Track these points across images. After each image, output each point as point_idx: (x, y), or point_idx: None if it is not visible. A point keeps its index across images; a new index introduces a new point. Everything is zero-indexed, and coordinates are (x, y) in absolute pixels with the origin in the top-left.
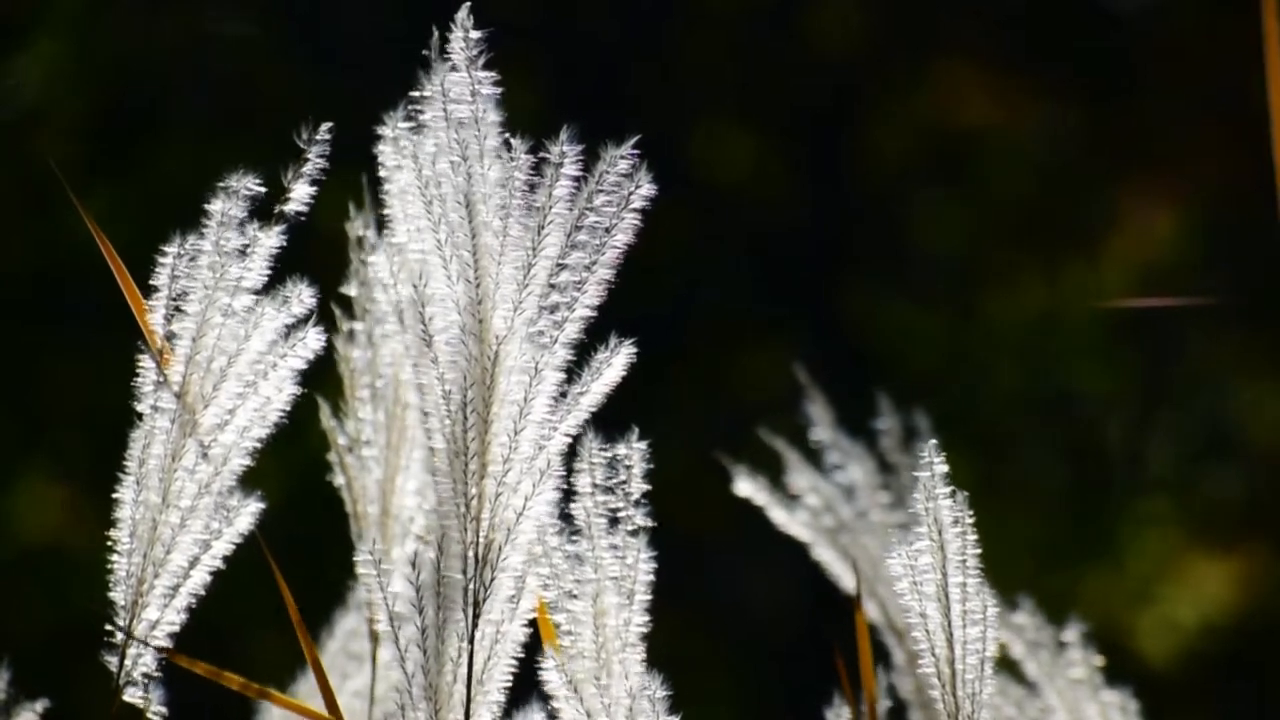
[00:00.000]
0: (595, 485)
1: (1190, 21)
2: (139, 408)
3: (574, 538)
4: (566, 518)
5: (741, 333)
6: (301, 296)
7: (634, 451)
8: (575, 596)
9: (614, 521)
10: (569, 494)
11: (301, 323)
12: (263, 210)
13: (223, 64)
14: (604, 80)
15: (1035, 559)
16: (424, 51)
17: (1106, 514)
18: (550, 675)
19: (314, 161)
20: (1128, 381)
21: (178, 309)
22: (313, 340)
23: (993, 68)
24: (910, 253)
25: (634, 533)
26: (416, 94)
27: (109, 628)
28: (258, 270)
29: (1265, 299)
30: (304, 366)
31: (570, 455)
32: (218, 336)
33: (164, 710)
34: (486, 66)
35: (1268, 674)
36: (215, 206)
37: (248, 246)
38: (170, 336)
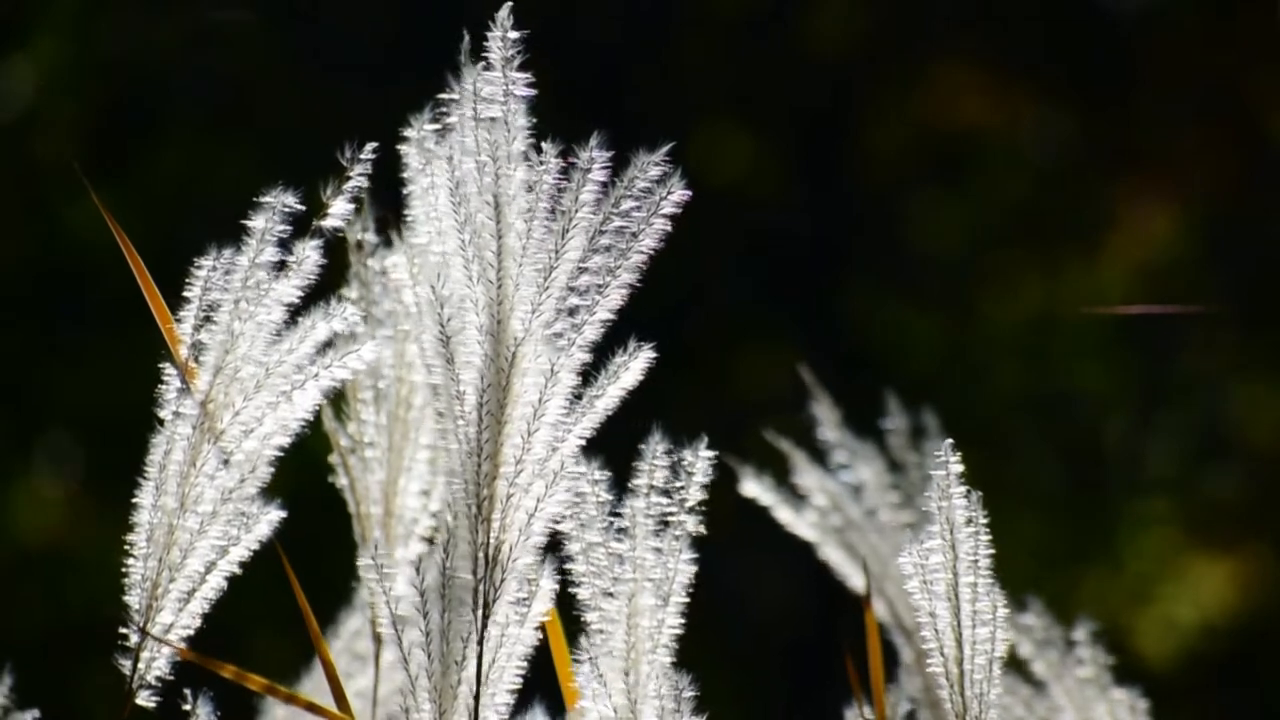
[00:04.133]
0: (652, 486)
1: (1187, 24)
2: (160, 413)
3: (618, 536)
4: (616, 514)
5: (741, 333)
6: (345, 314)
7: (700, 457)
8: (611, 595)
9: (663, 524)
10: (622, 492)
11: (340, 338)
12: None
13: (222, 63)
14: (603, 81)
15: (1034, 559)
16: (421, 53)
17: (1105, 514)
18: (579, 672)
19: (356, 180)
20: (1126, 382)
21: (208, 318)
22: (367, 353)
23: (990, 69)
24: (909, 253)
25: (679, 538)
26: (443, 96)
27: (122, 630)
28: (294, 284)
29: (1262, 299)
30: (348, 378)
31: (609, 456)
32: (249, 346)
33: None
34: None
35: (1267, 674)
36: (255, 222)
37: (283, 262)
38: (197, 345)
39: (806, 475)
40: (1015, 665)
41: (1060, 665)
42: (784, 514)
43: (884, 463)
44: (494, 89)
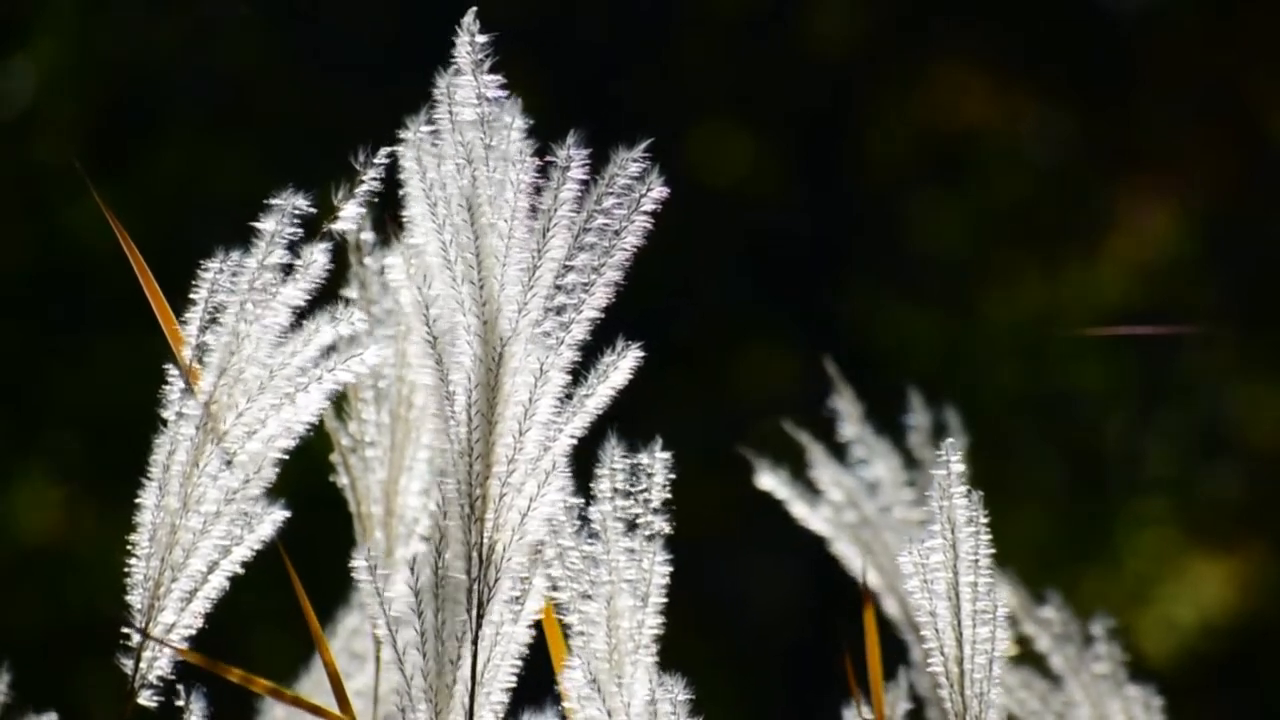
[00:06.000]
0: (615, 489)
1: (1187, 24)
2: (163, 413)
3: (590, 540)
4: (585, 519)
5: (741, 333)
6: (350, 317)
7: (657, 459)
8: (589, 598)
9: (632, 526)
10: (589, 497)
11: (345, 341)
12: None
13: (222, 63)
14: (602, 81)
15: (1034, 559)
16: (421, 53)
17: (1105, 514)
18: (569, 676)
19: (369, 183)
20: (1126, 382)
21: (213, 320)
22: (370, 356)
23: (990, 69)
24: (909, 253)
25: (651, 537)
26: (429, 98)
27: (124, 630)
28: (300, 287)
29: (1262, 299)
30: (351, 380)
31: (588, 458)
32: (254, 348)
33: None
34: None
35: (1267, 674)
36: (265, 224)
37: (289, 264)
38: (202, 346)
39: (822, 470)
40: (1031, 659)
41: (1077, 660)
42: (799, 509)
43: (895, 460)
44: (468, 91)
